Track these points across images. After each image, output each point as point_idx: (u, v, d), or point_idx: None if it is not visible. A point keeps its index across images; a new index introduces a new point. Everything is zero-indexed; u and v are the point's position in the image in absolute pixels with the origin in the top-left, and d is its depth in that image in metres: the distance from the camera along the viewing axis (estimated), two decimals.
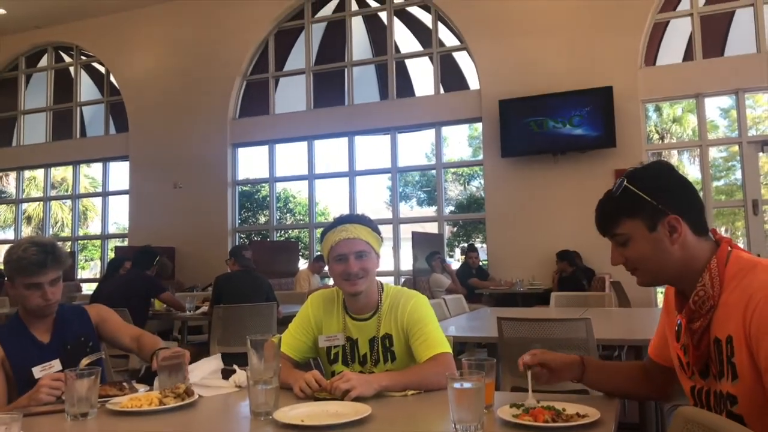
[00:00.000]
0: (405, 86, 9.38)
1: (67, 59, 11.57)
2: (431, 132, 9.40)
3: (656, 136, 17.92)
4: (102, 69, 11.16)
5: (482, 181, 9.50)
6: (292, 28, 9.96)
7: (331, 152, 10.07)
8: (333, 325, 2.08)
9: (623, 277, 6.43)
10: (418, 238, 8.21)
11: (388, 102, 9.31)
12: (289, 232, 12.22)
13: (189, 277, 9.19)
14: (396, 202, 9.54)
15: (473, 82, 8.86)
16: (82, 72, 11.44)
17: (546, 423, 1.38)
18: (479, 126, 8.85)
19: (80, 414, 1.61)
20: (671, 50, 8.09)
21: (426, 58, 9.29)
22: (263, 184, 10.84)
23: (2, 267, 2.15)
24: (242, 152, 10.24)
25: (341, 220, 2.05)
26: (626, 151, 7.66)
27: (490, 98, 8.38)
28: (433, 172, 10.19)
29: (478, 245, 9.81)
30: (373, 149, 10.02)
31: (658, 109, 17.92)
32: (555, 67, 8.13)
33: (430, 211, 12.45)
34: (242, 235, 10.38)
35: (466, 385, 1.40)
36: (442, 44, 9.16)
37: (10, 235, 12.70)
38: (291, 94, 9.97)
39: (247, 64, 10.05)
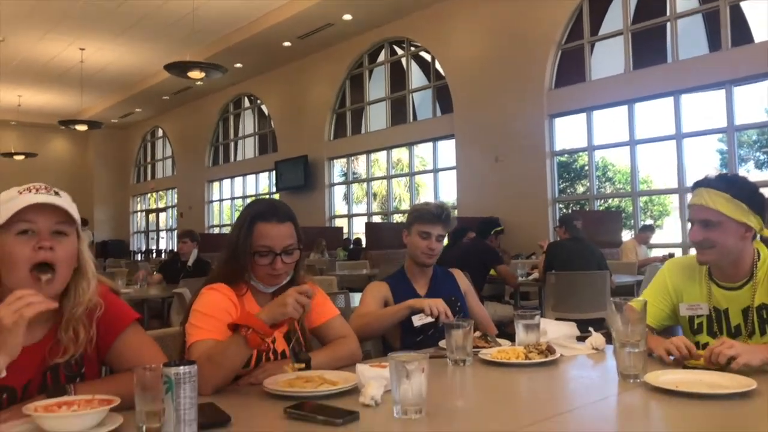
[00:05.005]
0: (740, 32, 8.33)
1: (399, 51, 12.98)
2: None
3: None
4: (428, 57, 12.22)
5: None
6: None
7: (653, 115, 9.50)
8: (695, 292, 2.00)
9: None
10: None
11: (721, 53, 8.39)
12: (609, 201, 11.94)
13: (513, 246, 9.69)
14: (734, 166, 8.55)
15: None
16: (412, 62, 12.75)
17: None
18: None
19: (460, 360, 1.86)
20: None
21: None
22: (580, 153, 10.77)
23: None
24: (558, 122, 10.32)
25: (699, 183, 1.93)
26: None
27: None
28: None
29: None
30: (699, 108, 9.14)
31: None
32: None
33: None
34: (561, 205, 10.54)
35: None
36: None
37: (362, 208, 14.91)
38: (608, 57, 9.66)
39: (561, 33, 10.02)
